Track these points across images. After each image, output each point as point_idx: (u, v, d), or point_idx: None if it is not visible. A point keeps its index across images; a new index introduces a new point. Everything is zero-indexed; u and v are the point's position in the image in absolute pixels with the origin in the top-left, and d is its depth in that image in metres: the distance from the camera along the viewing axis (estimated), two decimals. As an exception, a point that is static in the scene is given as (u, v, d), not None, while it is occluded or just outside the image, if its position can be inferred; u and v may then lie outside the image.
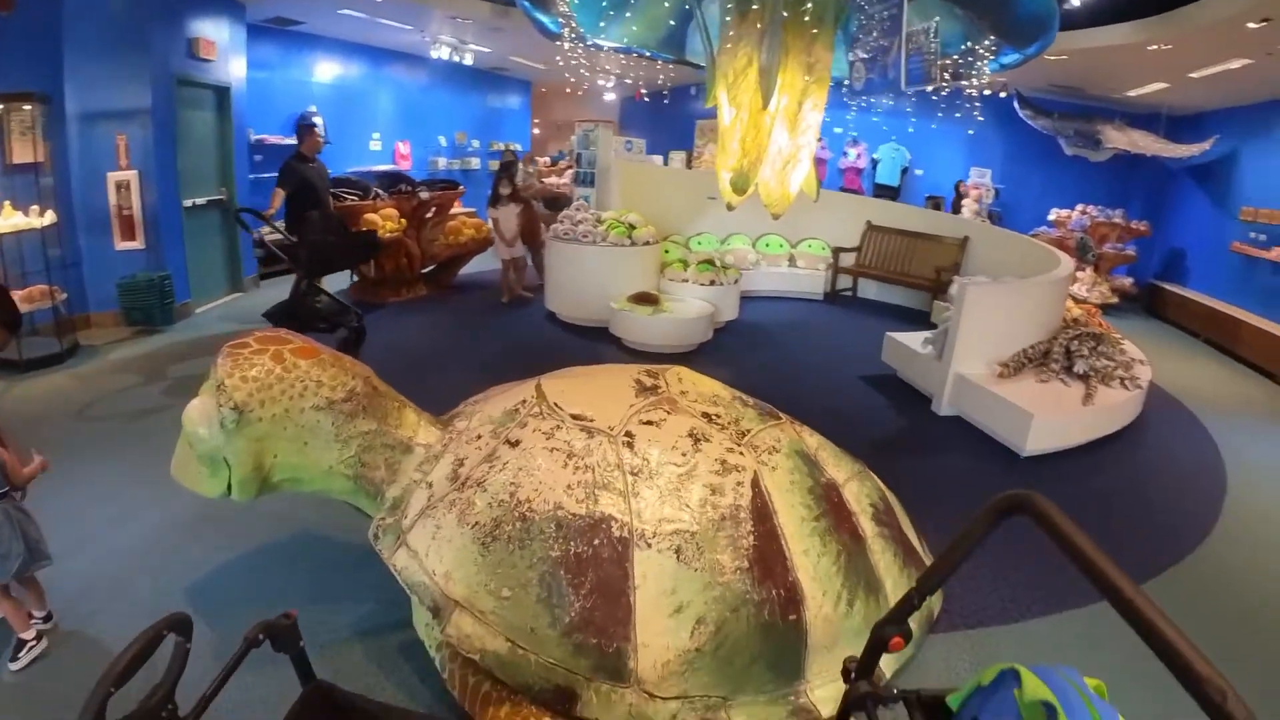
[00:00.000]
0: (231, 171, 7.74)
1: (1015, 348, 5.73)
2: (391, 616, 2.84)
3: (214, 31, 7.25)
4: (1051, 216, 11.26)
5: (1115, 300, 10.14)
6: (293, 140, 8.99)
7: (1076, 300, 7.91)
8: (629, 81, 14.19)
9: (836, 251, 9.42)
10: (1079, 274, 9.84)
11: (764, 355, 6.90)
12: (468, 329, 7.23)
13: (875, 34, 5.21)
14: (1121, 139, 10.08)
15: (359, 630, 2.82)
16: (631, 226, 7.32)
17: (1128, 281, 10.77)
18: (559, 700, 2.11)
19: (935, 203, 11.64)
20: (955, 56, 6.35)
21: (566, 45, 7.17)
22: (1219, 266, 9.74)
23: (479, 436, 2.55)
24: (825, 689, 2.32)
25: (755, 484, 2.46)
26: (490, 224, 8.12)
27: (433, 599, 2.23)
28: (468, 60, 11.44)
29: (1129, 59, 7.96)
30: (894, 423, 5.52)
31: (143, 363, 5.76)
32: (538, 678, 2.12)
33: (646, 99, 15.29)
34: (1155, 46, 7.25)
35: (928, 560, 2.96)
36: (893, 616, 1.45)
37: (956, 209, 11.37)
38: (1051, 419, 4.94)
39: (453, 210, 9.00)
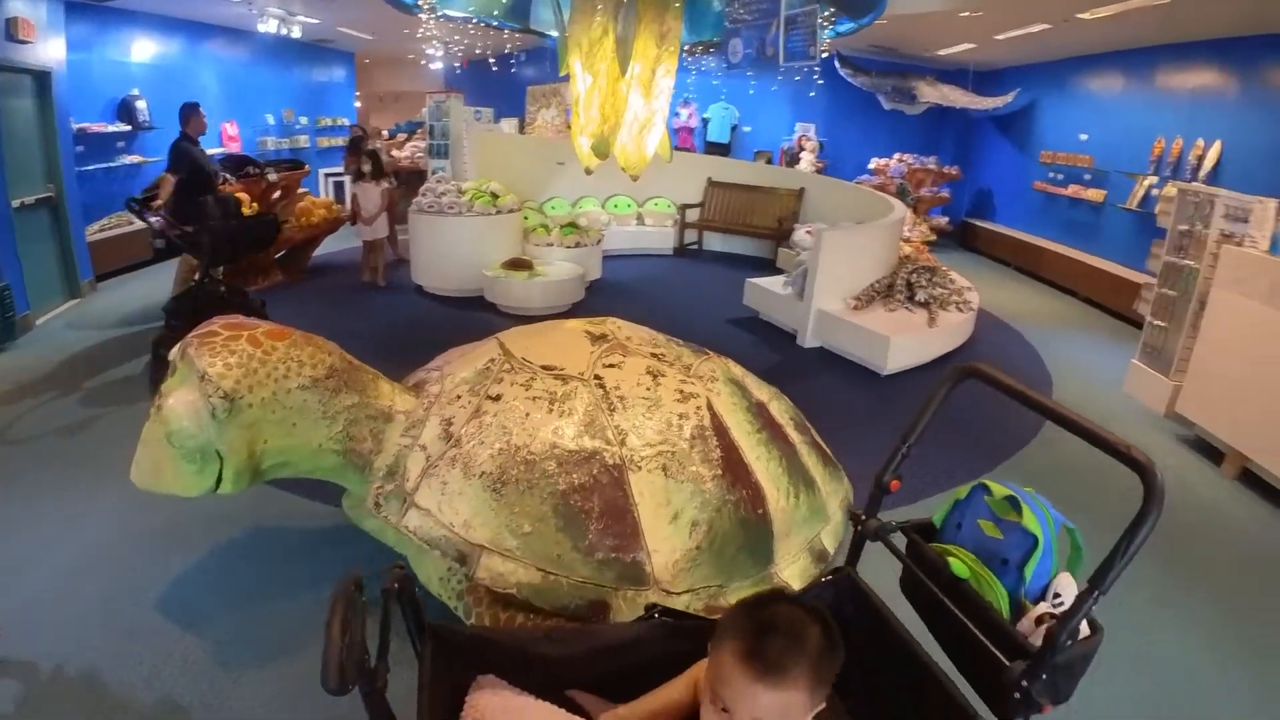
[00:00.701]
0: (59, 165, 7.03)
1: (864, 283, 6.56)
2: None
3: (31, 9, 6.58)
4: (871, 165, 12.50)
5: (934, 238, 11.47)
6: (118, 127, 8.56)
7: (903, 239, 8.96)
8: (458, 50, 14.13)
9: (683, 208, 10.08)
10: (901, 216, 11.10)
11: (636, 308, 7.29)
12: (340, 313, 7.08)
13: (753, 12, 5.67)
14: (934, 93, 11.39)
15: None
16: (494, 195, 7.53)
17: (943, 220, 12.23)
18: (593, 613, 2.44)
19: (765, 159, 12.58)
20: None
21: (424, 16, 7.17)
22: (1024, 203, 11.40)
23: (459, 397, 2.77)
24: (791, 569, 2.82)
25: (710, 407, 2.91)
26: (349, 202, 7.98)
27: (456, 549, 2.46)
28: (295, 33, 10.96)
29: (942, 23, 9.00)
30: (766, 357, 6.18)
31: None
32: (572, 597, 2.43)
33: (472, 67, 15.27)
34: (967, 14, 8.25)
35: (836, 461, 3.56)
36: (886, 466, 1.94)
37: (794, 161, 12.25)
38: (905, 341, 5.81)
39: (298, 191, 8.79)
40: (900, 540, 1.94)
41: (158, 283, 7.52)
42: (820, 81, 8.82)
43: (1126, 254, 9.08)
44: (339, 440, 2.62)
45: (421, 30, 7.73)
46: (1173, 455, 4.99)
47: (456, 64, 15.61)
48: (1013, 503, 1.81)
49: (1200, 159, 8.12)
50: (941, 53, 11.12)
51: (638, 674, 1.89)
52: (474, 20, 7.75)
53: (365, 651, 1.66)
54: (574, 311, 7.03)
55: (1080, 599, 1.44)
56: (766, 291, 6.91)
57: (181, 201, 6.11)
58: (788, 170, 11.13)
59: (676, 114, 13.63)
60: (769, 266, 9.34)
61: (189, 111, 6.51)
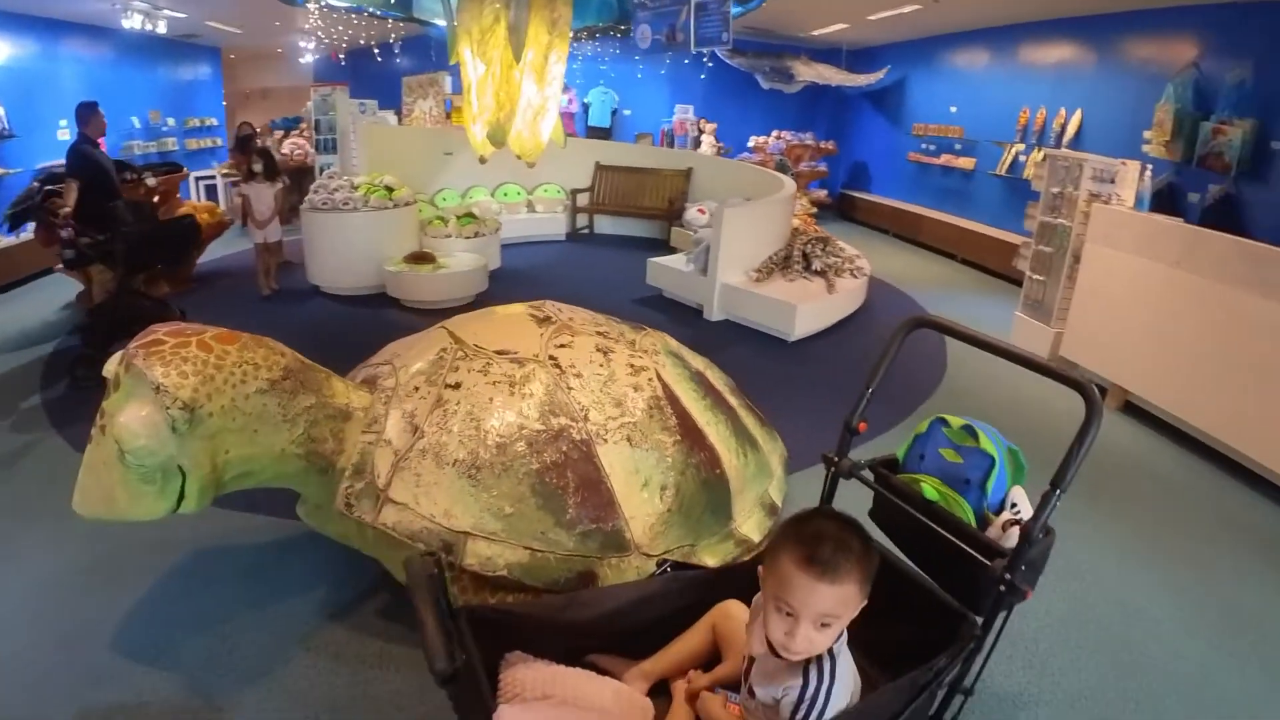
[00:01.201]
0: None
1: (762, 257, 6.88)
2: (345, 592, 2.98)
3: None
4: (751, 143, 12.95)
5: (815, 210, 11.98)
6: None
7: (792, 214, 9.40)
8: (332, 42, 13.73)
9: (573, 193, 10.21)
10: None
11: (542, 295, 7.23)
12: (242, 323, 6.53)
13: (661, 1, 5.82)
14: (810, 72, 11.91)
15: (328, 614, 2.87)
16: (389, 189, 7.43)
17: (823, 193, 12.83)
18: (583, 583, 2.53)
19: (646, 141, 12.84)
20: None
21: (311, 8, 6.99)
22: (899, 174, 12.14)
23: (416, 389, 2.78)
24: (748, 523, 3.03)
25: (659, 378, 3.07)
26: (229, 204, 7.61)
27: (440, 539, 2.49)
28: (161, 29, 10.35)
29: (817, 4, 9.46)
30: (676, 333, 6.28)
31: None
32: (561, 571, 2.53)
33: (343, 59, 14.86)
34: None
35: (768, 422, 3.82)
36: (853, 411, 2.17)
37: (695, 146, 12.53)
38: (808, 308, 6.18)
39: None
40: (870, 479, 2.18)
41: (45, 299, 7.18)
42: (708, 63, 9.10)
43: (999, 217, 9.85)
44: (301, 443, 2.58)
45: (309, 21, 7.52)
46: (1062, 396, 5.48)
47: (329, 56, 15.14)
48: (969, 430, 2.09)
49: (1063, 127, 8.89)
50: (816, 33, 11.64)
51: (653, 629, 2.06)
52: (357, 10, 7.63)
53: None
54: (479, 302, 7.03)
55: (1045, 498, 1.70)
56: (669, 269, 7.13)
57: (88, 208, 5.76)
58: (674, 151, 11.45)
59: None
60: (663, 246, 9.58)
61: (87, 111, 6.18)
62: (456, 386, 2.76)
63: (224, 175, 12.28)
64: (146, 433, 2.25)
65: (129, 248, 5.40)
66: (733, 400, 3.50)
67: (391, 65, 14.14)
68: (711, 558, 2.80)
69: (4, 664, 2.60)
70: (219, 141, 14.13)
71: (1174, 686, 2.67)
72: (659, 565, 2.08)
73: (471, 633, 1.73)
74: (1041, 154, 8.98)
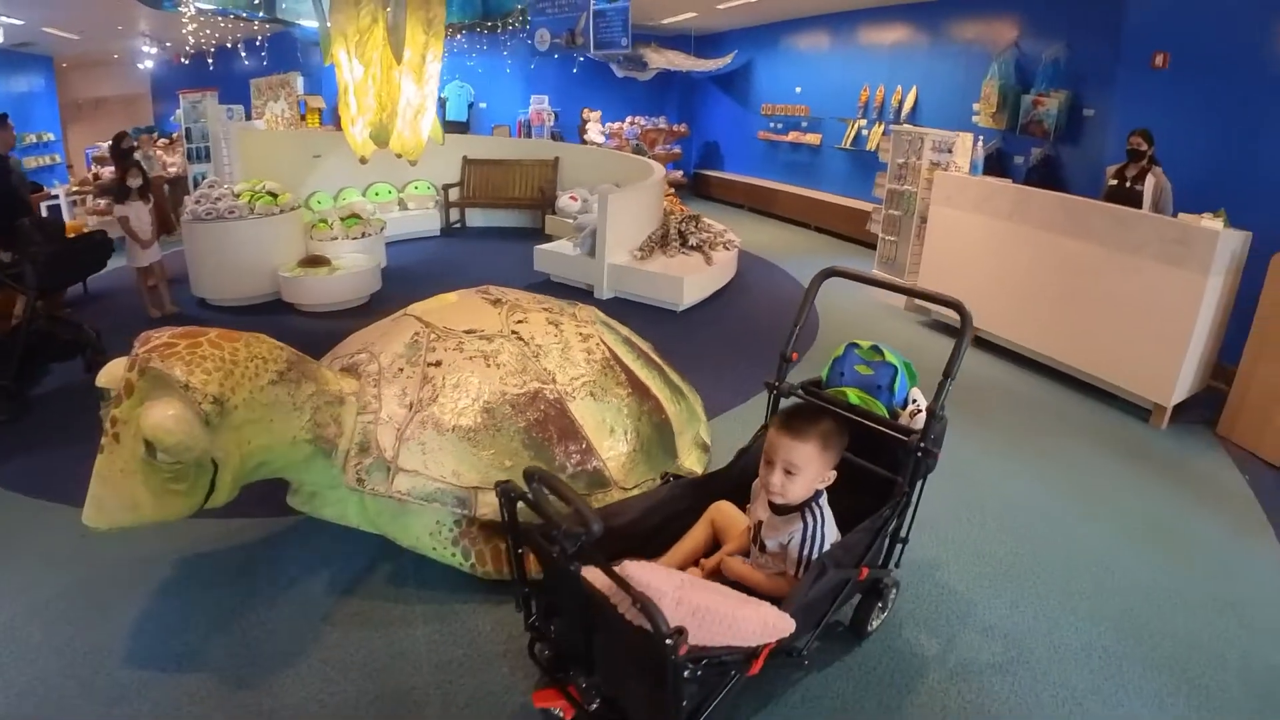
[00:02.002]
0: None
1: (642, 237, 7.50)
2: (349, 568, 3.20)
3: None
4: (605, 129, 13.54)
5: (672, 191, 12.75)
6: None
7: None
8: (168, 46, 13.28)
9: (445, 189, 10.47)
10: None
11: (437, 288, 7.49)
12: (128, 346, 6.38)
13: (561, 5, 6.22)
14: (661, 59, 12.63)
15: (340, 590, 3.08)
16: (273, 194, 7.43)
17: (679, 174, 13.60)
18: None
19: (504, 132, 13.23)
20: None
21: (183, 11, 6.97)
22: (751, 151, 13.11)
23: (400, 370, 3.13)
24: (690, 459, 3.62)
25: (602, 342, 3.61)
26: (118, 224, 6.88)
27: (454, 496, 2.88)
28: None
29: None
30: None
31: None
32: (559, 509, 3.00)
33: (181, 63, 14.37)
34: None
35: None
36: (786, 343, 2.80)
37: (582, 135, 12.94)
38: (693, 280, 6.87)
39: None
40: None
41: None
42: (557, 56, 9.60)
43: (847, 186, 10.95)
44: (309, 429, 2.79)
45: (182, 25, 7.43)
46: (921, 335, 6.55)
47: (170, 60, 14.64)
48: (875, 349, 2.81)
49: (900, 103, 9.98)
50: (665, 21, 12.34)
51: (661, 532, 2.61)
52: (222, 13, 7.58)
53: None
54: (374, 302, 7.24)
55: (940, 385, 2.40)
56: (556, 255, 7.61)
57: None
58: (540, 142, 11.90)
59: None
60: (538, 235, 10.00)
61: None
62: (438, 364, 3.15)
63: (76, 193, 11.56)
64: (181, 429, 2.41)
65: (37, 269, 5.14)
66: (657, 359, 4.09)
67: (236, 67, 13.88)
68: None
69: (20, 699, 2.56)
70: (58, 159, 13.39)
71: (1047, 541, 3.53)
72: (661, 478, 2.63)
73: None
74: (882, 128, 10.08)
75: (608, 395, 3.35)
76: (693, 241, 7.53)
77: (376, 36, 6.63)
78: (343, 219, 8.15)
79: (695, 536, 2.52)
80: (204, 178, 8.24)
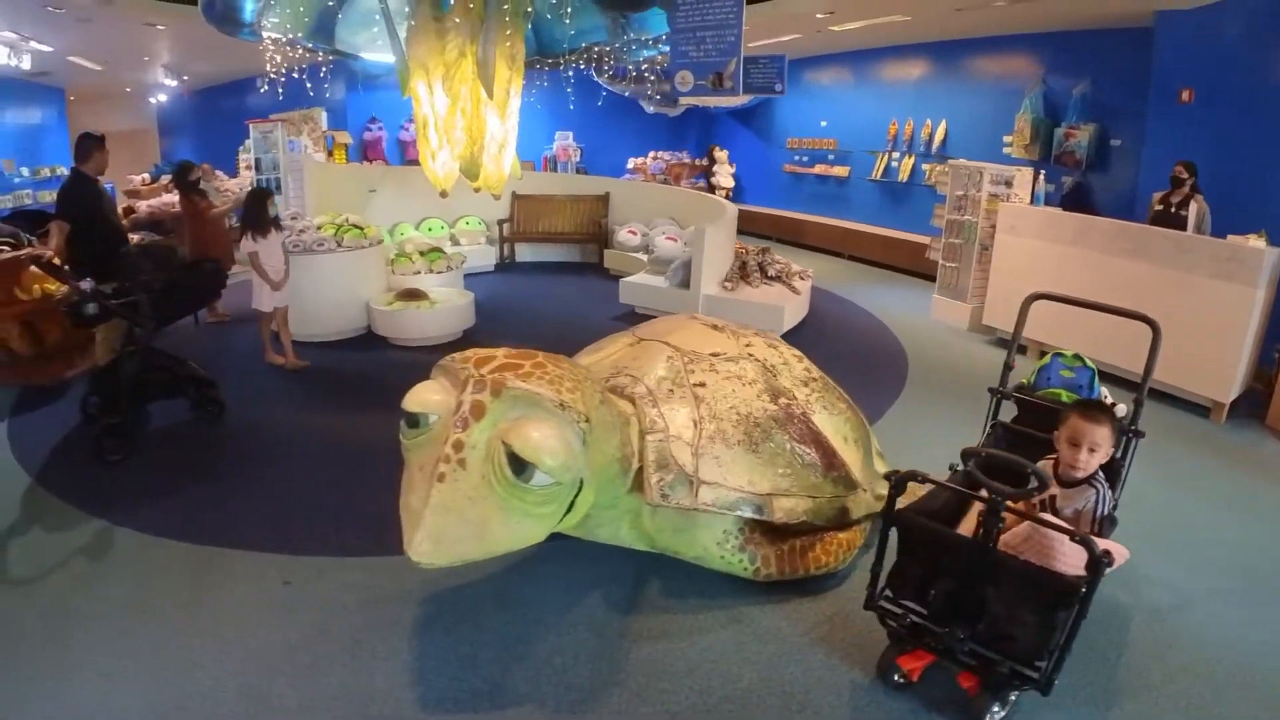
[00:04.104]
0: None
1: (724, 270, 8.23)
2: (617, 588, 3.42)
3: None
4: (630, 165, 14.30)
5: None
6: None
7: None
8: (179, 82, 13.65)
9: (501, 223, 10.97)
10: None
11: (524, 323, 8.09)
12: (256, 388, 6.19)
13: (709, 50, 6.79)
14: (690, 96, 13.38)
15: (621, 608, 3.30)
16: (358, 227, 7.63)
17: (704, 207, 14.43)
18: (840, 517, 3.46)
19: (528, 168, 13.89)
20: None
21: (266, 39, 7.27)
22: (774, 184, 13.94)
23: (671, 391, 3.45)
24: (880, 465, 4.08)
25: (809, 363, 4.16)
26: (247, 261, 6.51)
27: (752, 503, 3.23)
28: (24, 64, 10.04)
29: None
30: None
31: None
32: (829, 510, 3.42)
33: (189, 98, 14.80)
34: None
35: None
36: (1008, 355, 3.52)
37: (709, 174, 13.12)
38: (789, 308, 7.53)
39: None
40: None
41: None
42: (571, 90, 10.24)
43: (878, 216, 11.80)
44: (620, 447, 2.96)
45: (266, 54, 7.74)
46: (988, 352, 7.32)
47: (180, 94, 14.99)
48: (1076, 357, 3.52)
49: (930, 135, 10.92)
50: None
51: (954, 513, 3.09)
52: (291, 42, 7.76)
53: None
54: (467, 337, 7.45)
55: (1140, 390, 3.20)
56: (644, 287, 8.17)
57: (83, 255, 5.42)
58: (590, 178, 12.51)
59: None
60: (593, 269, 10.62)
61: (90, 145, 5.71)
62: (703, 385, 3.54)
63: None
64: (564, 450, 2.53)
65: (155, 298, 4.92)
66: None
67: (249, 101, 14.34)
68: (882, 488, 3.93)
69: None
70: None
71: (1165, 514, 4.21)
72: (951, 467, 3.04)
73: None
74: (913, 160, 11.02)
75: (833, 409, 3.84)
76: (771, 273, 8.25)
77: (465, 70, 6.96)
78: (422, 253, 8.50)
79: (973, 518, 3.19)
80: (295, 211, 8.45)
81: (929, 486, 2.73)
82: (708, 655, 3.00)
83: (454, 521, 2.49)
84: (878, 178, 11.81)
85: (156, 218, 10.48)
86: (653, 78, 9.70)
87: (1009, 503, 2.43)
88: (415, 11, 6.92)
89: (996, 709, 2.58)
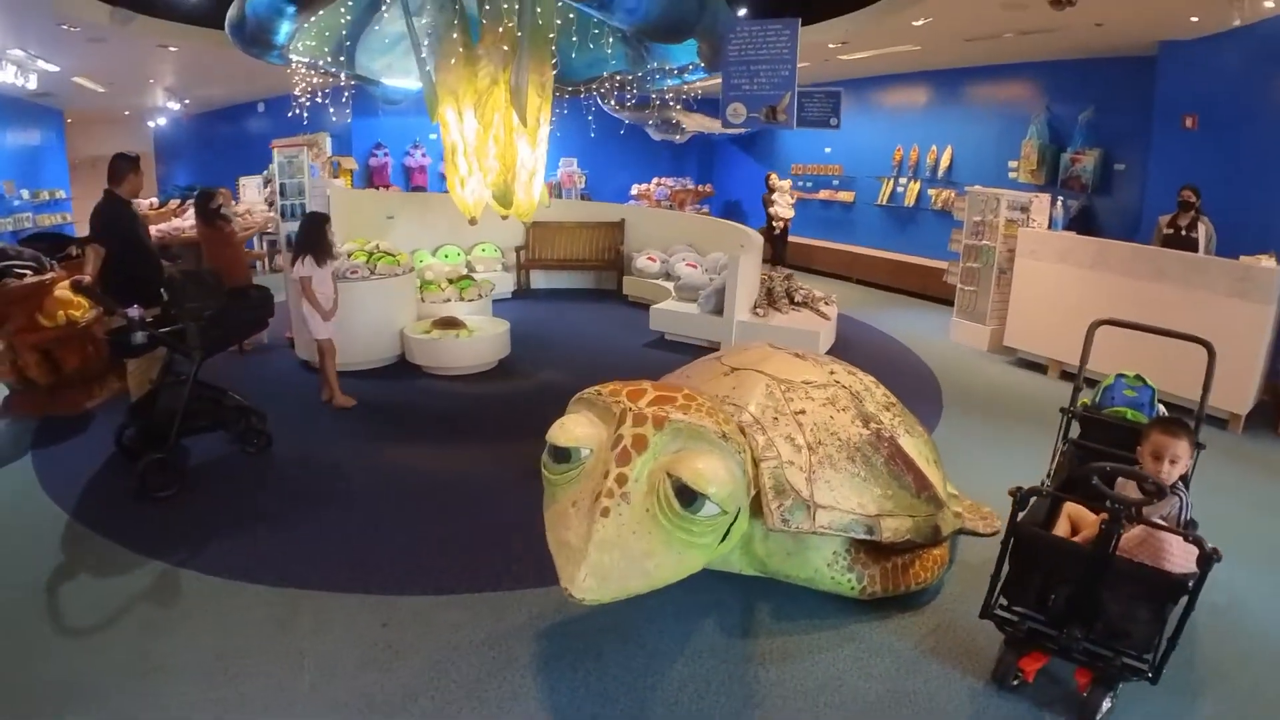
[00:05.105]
0: None
1: (752, 296, 8.48)
2: (728, 616, 3.56)
3: None
4: (634, 190, 14.63)
5: (706, 249, 13.87)
6: None
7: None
8: (181, 106, 13.65)
9: (519, 250, 11.21)
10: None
11: (559, 351, 8.21)
12: (305, 429, 5.95)
13: (764, 84, 7.01)
14: (693, 122, 13.76)
15: (740, 632, 3.45)
16: (390, 254, 7.69)
17: (709, 232, 14.75)
18: (934, 534, 3.69)
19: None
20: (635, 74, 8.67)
21: (294, 61, 7.28)
22: (780, 209, 14.18)
23: (775, 419, 3.54)
24: (949, 486, 4.33)
25: (880, 386, 4.41)
26: (296, 289, 6.41)
27: (864, 525, 3.38)
28: (30, 83, 10.03)
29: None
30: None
31: None
32: (926, 527, 3.66)
33: (187, 123, 14.86)
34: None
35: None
36: (1078, 375, 3.79)
37: (767, 203, 12.81)
38: (821, 332, 7.82)
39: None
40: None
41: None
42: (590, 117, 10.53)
43: (885, 241, 12.20)
44: (745, 468, 3.01)
45: (295, 78, 7.67)
46: (1012, 373, 7.68)
47: (180, 119, 15.02)
48: (1138, 377, 3.84)
49: (936, 161, 11.32)
50: (692, 84, 13.52)
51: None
52: (313, 65, 7.81)
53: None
54: (504, 367, 7.53)
55: (1201, 402, 3.51)
56: (675, 314, 8.45)
57: (119, 281, 5.27)
58: (604, 205, 12.68)
59: (408, 154, 14.91)
60: (610, 295, 10.89)
61: (125, 166, 5.55)
62: (803, 412, 3.72)
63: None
64: (730, 479, 2.65)
65: (203, 326, 4.78)
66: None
67: (248, 126, 14.45)
68: (959, 505, 4.24)
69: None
70: (68, 217, 13.20)
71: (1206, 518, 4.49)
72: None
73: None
74: (919, 185, 11.40)
75: (914, 431, 4.10)
76: (798, 298, 8.53)
77: (497, 98, 7.01)
78: (452, 281, 8.65)
79: (1062, 526, 3.43)
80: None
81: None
82: (832, 673, 3.18)
83: (618, 556, 2.53)
84: (884, 203, 12.17)
85: (165, 243, 10.30)
86: (676, 105, 9.84)
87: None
88: (445, 38, 6.99)
89: (1106, 703, 2.87)
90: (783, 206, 11.68)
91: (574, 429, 2.80)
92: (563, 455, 2.80)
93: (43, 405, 5.99)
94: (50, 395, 6.11)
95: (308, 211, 7.42)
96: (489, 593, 3.65)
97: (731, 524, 2.84)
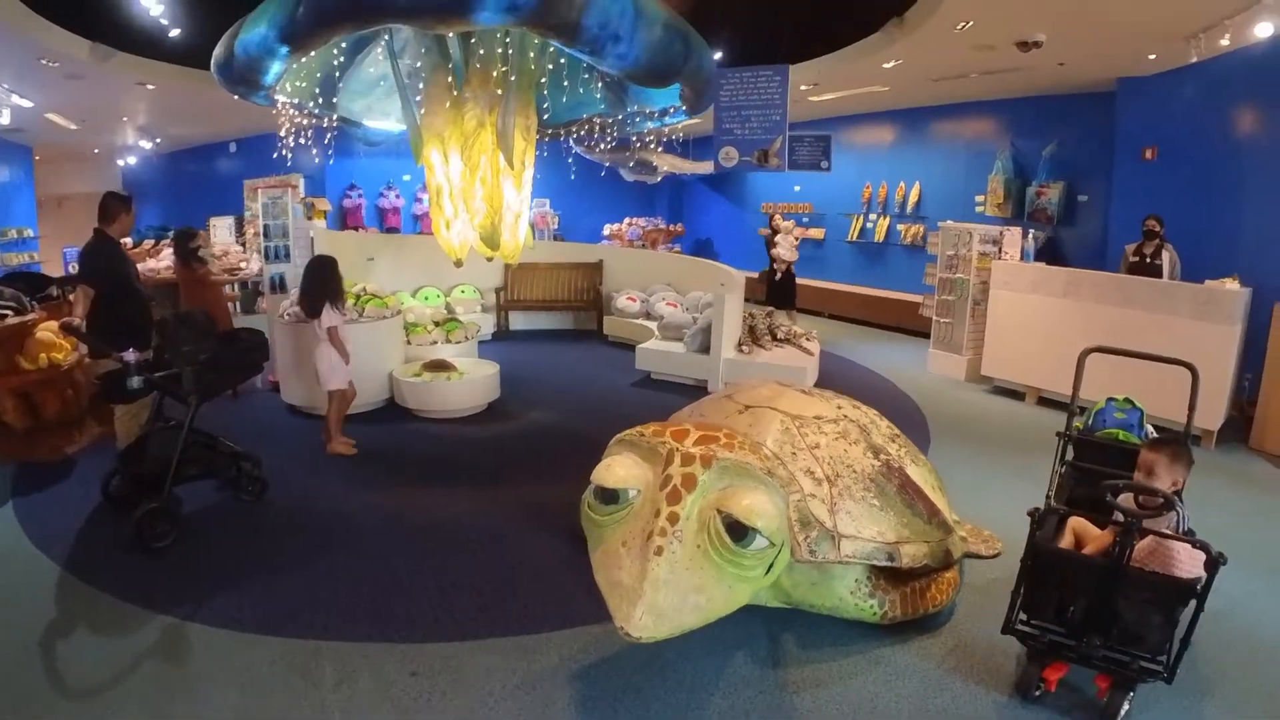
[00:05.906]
0: None
1: (736, 334, 8.66)
2: (758, 645, 3.63)
3: None
4: (606, 230, 14.87)
5: (679, 286, 14.10)
6: None
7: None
8: (153, 144, 13.60)
9: (498, 291, 11.30)
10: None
11: (548, 392, 8.20)
12: (307, 473, 5.85)
13: (755, 128, 7.25)
14: (666, 163, 14.04)
15: (770, 663, 3.51)
16: (378, 296, 7.72)
17: (682, 271, 15.01)
18: (946, 558, 3.88)
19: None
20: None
21: (280, 102, 7.33)
22: (748, 247, 14.54)
23: (794, 454, 3.62)
24: (952, 514, 4.46)
25: (884, 419, 4.62)
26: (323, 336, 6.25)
27: (885, 552, 3.52)
28: (3, 119, 9.95)
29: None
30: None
31: None
32: (939, 552, 3.83)
33: (156, 161, 14.82)
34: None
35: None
36: (1071, 400, 4.02)
37: (770, 244, 12.54)
38: (808, 367, 8.03)
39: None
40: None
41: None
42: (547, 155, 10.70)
43: (855, 276, 12.55)
44: (786, 506, 3.17)
45: (280, 118, 7.66)
46: (992, 401, 7.99)
47: (150, 157, 14.97)
48: (1127, 400, 4.07)
49: (904, 197, 11.70)
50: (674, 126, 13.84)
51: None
52: (299, 107, 7.83)
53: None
54: (494, 410, 7.48)
55: (1188, 419, 3.79)
56: (660, 353, 8.58)
57: (108, 324, 5.19)
58: (582, 245, 12.93)
59: (382, 195, 15.07)
60: (591, 335, 11.00)
61: (116, 206, 5.45)
62: (818, 446, 3.87)
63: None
64: (776, 512, 2.80)
65: (199, 371, 4.68)
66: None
67: (221, 166, 14.45)
68: (961, 530, 4.39)
69: None
70: (35, 256, 12.97)
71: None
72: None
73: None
74: (888, 221, 11.76)
75: (918, 461, 4.30)
76: (780, 335, 8.74)
77: (484, 140, 7.12)
78: (437, 323, 8.66)
79: (1067, 541, 3.60)
80: (280, 279, 8.21)
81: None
82: (864, 696, 3.29)
83: (673, 593, 2.61)
84: (854, 239, 12.52)
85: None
86: (655, 148, 10.02)
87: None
88: (431, 81, 7.11)
89: (1125, 705, 3.08)
90: (786, 249, 11.66)
91: (620, 470, 2.88)
92: (610, 497, 2.87)
93: (19, 451, 5.82)
94: (27, 440, 5.96)
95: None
96: (515, 636, 3.65)
97: (776, 556, 2.96)
